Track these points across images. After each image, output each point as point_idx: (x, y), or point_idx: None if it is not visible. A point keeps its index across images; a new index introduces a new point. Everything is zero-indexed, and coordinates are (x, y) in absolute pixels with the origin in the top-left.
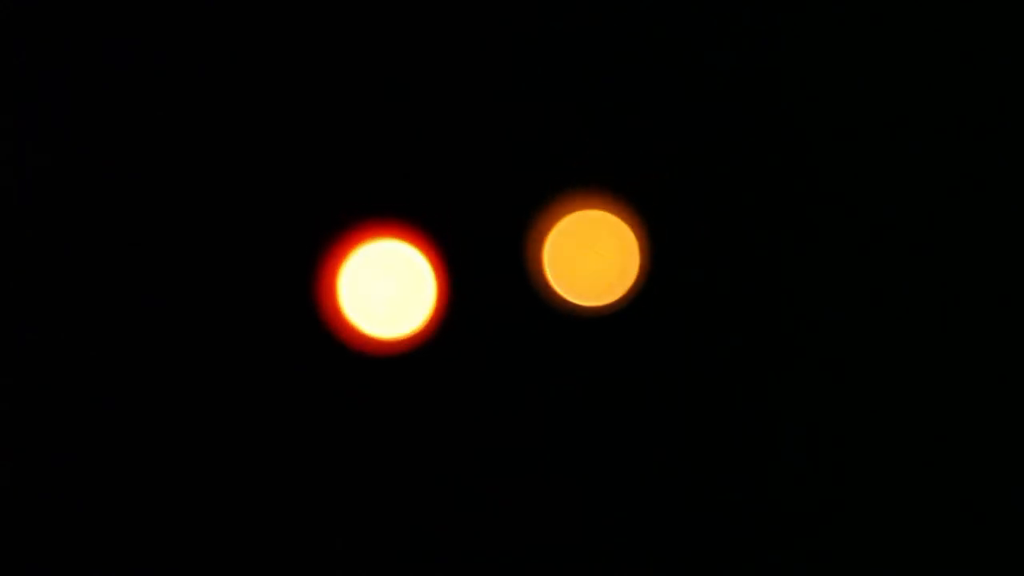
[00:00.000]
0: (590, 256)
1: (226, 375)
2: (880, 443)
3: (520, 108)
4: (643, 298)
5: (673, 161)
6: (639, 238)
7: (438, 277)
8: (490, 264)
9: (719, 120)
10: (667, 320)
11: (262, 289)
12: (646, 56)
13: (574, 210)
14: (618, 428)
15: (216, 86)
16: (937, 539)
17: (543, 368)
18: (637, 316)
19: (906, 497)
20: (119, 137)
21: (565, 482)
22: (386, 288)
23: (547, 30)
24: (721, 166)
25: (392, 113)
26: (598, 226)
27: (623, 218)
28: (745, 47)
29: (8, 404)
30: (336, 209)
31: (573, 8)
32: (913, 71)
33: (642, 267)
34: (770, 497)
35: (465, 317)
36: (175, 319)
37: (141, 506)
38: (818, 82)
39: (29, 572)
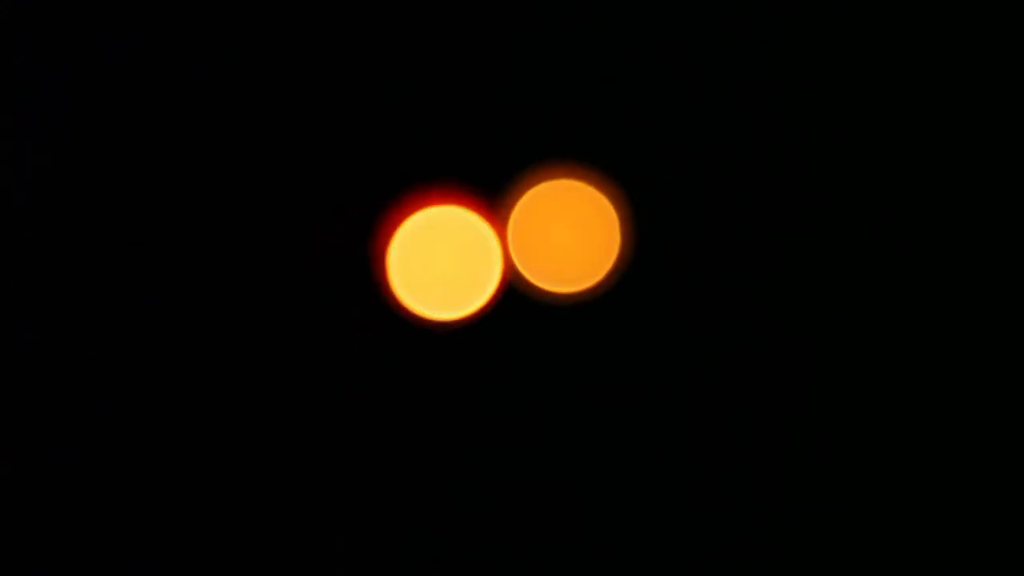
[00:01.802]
0: (562, 234)
1: (231, 365)
2: (879, 442)
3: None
4: (626, 284)
5: (669, 159)
6: (621, 215)
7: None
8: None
9: (717, 120)
10: (654, 310)
11: (269, 279)
12: (646, 56)
13: (540, 182)
14: (615, 426)
15: (218, 81)
16: (937, 539)
17: (531, 362)
18: (619, 304)
19: (906, 498)
20: (119, 137)
21: (565, 482)
22: (444, 262)
23: (547, 30)
24: (718, 164)
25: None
26: (571, 199)
27: (602, 190)
28: (745, 47)
29: (8, 404)
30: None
31: (573, 8)
32: (913, 71)
33: (624, 248)
34: (769, 497)
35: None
36: (179, 316)
37: (156, 502)
38: (818, 82)
39: (30, 572)
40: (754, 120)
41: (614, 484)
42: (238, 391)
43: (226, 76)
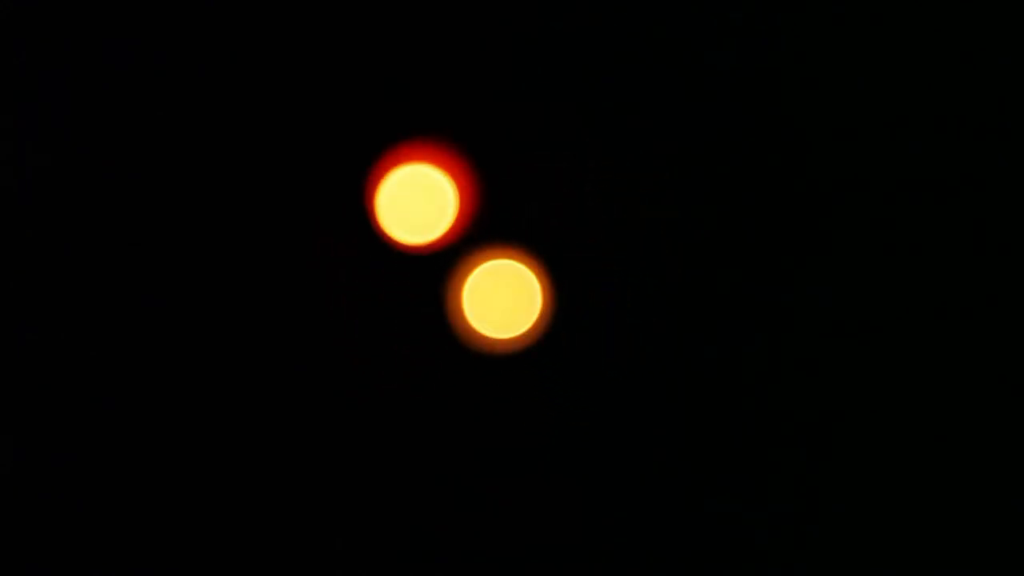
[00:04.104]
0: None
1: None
2: (879, 443)
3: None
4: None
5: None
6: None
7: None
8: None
9: (716, 121)
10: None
11: (275, 292)
12: (646, 56)
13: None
14: (614, 426)
15: (219, 81)
16: (937, 539)
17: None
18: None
19: (906, 498)
20: (119, 137)
21: (565, 482)
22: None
23: (545, 30)
24: (717, 166)
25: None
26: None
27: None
28: (745, 47)
29: (8, 404)
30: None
31: (573, 8)
32: (913, 71)
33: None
34: (770, 499)
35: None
36: (180, 318)
37: (158, 504)
38: (818, 82)
39: (31, 572)
40: (754, 121)
41: (614, 484)
42: (238, 391)
43: (226, 76)
